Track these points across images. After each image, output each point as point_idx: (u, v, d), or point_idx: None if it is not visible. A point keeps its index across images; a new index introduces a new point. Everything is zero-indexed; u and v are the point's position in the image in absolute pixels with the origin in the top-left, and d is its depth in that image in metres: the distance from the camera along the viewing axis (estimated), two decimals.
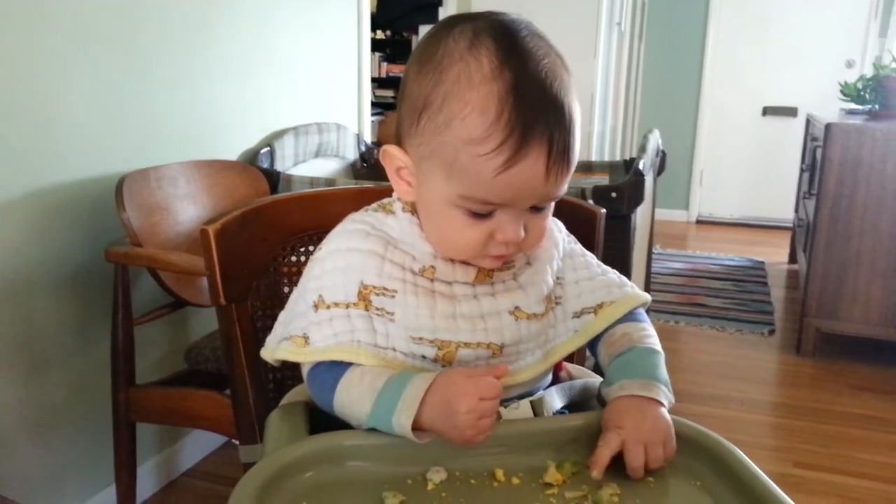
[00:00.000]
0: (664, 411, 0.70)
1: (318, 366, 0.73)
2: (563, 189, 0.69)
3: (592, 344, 0.82)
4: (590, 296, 0.80)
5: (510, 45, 0.65)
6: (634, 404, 0.70)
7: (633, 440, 0.67)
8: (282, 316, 0.78)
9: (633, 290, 0.82)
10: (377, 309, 0.72)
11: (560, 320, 0.79)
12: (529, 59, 0.65)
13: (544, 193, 0.67)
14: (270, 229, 0.94)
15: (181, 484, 1.90)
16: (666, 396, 0.71)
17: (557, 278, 0.79)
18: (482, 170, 0.64)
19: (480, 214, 0.68)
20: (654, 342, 0.78)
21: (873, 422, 2.32)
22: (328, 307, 0.73)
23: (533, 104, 0.63)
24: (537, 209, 0.70)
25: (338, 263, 0.73)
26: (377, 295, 0.72)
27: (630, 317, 0.81)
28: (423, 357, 0.72)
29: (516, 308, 0.73)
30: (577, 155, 0.68)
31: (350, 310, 0.72)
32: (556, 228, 0.83)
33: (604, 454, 0.67)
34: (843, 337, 2.82)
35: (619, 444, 0.67)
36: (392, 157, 0.73)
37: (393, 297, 0.71)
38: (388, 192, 0.82)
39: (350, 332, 0.72)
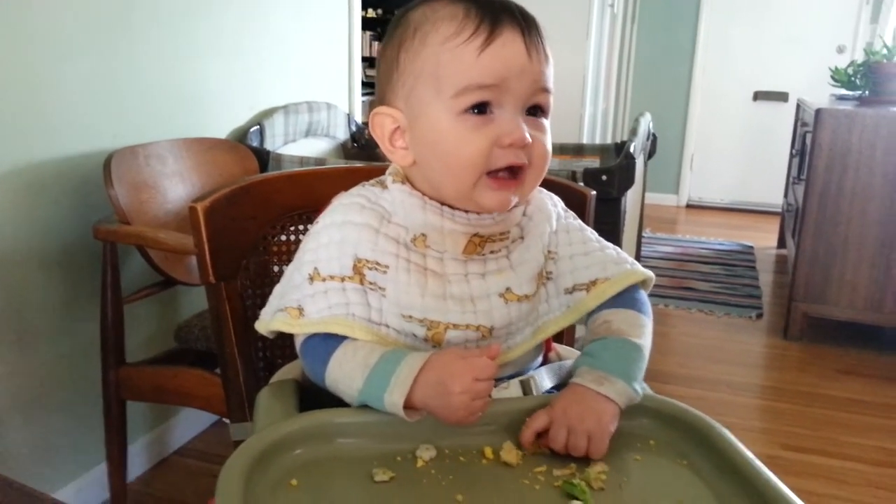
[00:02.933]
0: (609, 408, 0.68)
1: (312, 338, 0.73)
2: (549, 80, 0.71)
3: (587, 320, 0.80)
4: (584, 272, 0.77)
5: None
6: (579, 392, 0.69)
7: (558, 422, 0.67)
8: (277, 288, 0.78)
9: (632, 267, 0.78)
10: (370, 283, 0.72)
11: (552, 296, 0.78)
12: None
13: (532, 75, 0.69)
14: (260, 208, 0.93)
15: (172, 462, 1.91)
16: (621, 394, 0.68)
17: (549, 252, 0.78)
18: (465, 54, 0.68)
19: (480, 112, 0.68)
20: (637, 332, 0.74)
21: (859, 405, 2.34)
22: (323, 280, 0.73)
23: (493, 3, 0.69)
24: (534, 113, 0.71)
25: (333, 237, 0.74)
26: (370, 269, 0.72)
27: (622, 299, 0.77)
28: (415, 335, 0.72)
29: (507, 290, 0.73)
30: (551, 58, 0.71)
31: (345, 283, 0.72)
32: (551, 202, 0.82)
33: (527, 430, 0.67)
34: (830, 321, 2.84)
35: (544, 423, 0.67)
36: (383, 117, 0.74)
37: (385, 272, 0.71)
38: (377, 172, 0.82)
39: (345, 304, 0.72)
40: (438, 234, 0.73)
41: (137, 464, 1.80)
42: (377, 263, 0.72)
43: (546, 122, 0.73)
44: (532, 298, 0.75)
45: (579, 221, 0.83)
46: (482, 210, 0.72)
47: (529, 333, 0.77)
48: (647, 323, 0.76)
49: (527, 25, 0.69)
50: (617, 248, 0.81)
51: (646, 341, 0.74)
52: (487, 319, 0.72)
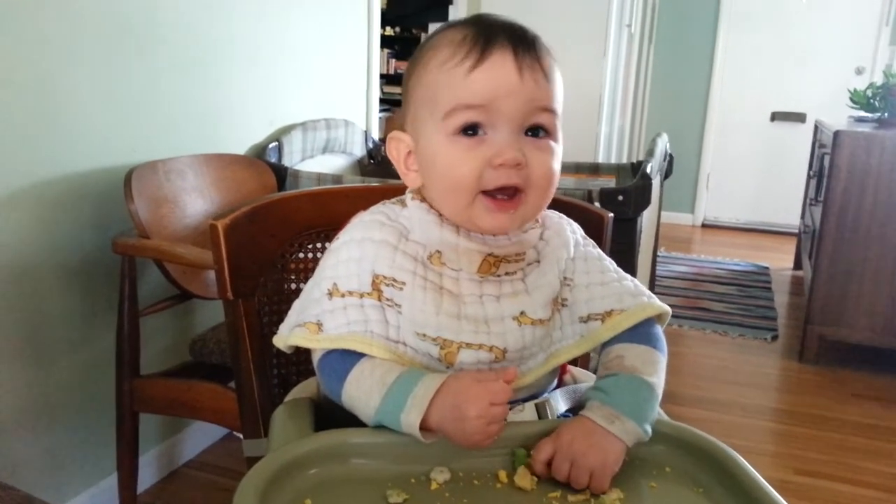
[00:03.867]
0: (616, 447, 0.67)
1: (330, 354, 0.73)
2: (551, 100, 0.71)
3: (601, 351, 0.79)
4: (599, 302, 0.76)
5: (480, 16, 0.74)
6: (587, 426, 0.68)
7: (562, 454, 0.66)
8: (296, 304, 0.79)
9: (648, 301, 0.77)
10: (387, 300, 0.73)
11: (566, 323, 0.77)
12: (496, 17, 0.73)
13: (524, 95, 0.69)
14: (279, 225, 0.94)
15: (182, 474, 1.91)
16: (630, 433, 0.68)
17: (565, 278, 0.78)
18: (456, 75, 0.69)
19: (471, 133, 0.69)
20: (651, 370, 0.73)
21: (875, 430, 2.31)
22: (342, 295, 0.73)
23: (492, 24, 0.71)
24: (533, 133, 0.71)
25: (352, 253, 0.74)
26: (387, 286, 0.72)
27: (637, 333, 0.76)
28: (430, 355, 0.72)
29: (521, 313, 0.73)
30: (555, 73, 0.72)
31: (364, 299, 0.73)
32: (570, 229, 0.81)
33: (536, 464, 0.67)
34: (846, 345, 2.82)
35: (549, 453, 0.67)
36: (398, 141, 0.77)
37: (401, 289, 0.72)
38: (395, 191, 0.83)
39: (363, 321, 0.72)
40: (454, 252, 0.73)
41: (147, 475, 1.81)
42: (394, 280, 0.72)
43: (551, 143, 0.72)
44: (546, 323, 0.75)
45: (598, 250, 0.82)
46: (481, 231, 0.73)
47: (542, 359, 0.76)
48: (661, 360, 0.75)
49: (523, 46, 0.69)
50: (634, 280, 0.80)
51: (659, 380, 0.73)
52: (501, 341, 0.72)
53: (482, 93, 0.68)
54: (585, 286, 0.78)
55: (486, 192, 0.70)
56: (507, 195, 0.70)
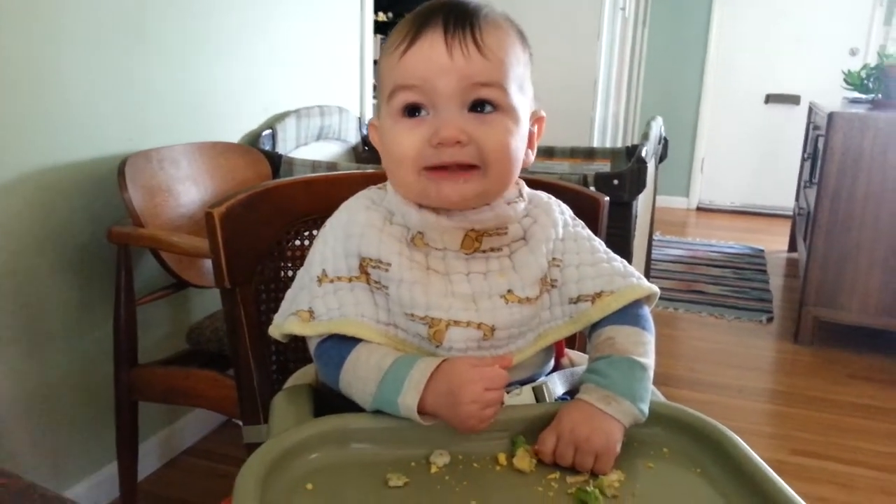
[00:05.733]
0: (616, 428, 0.68)
1: (326, 342, 0.73)
2: (491, 74, 0.70)
3: (590, 333, 0.80)
4: (589, 282, 0.77)
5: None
6: (585, 410, 0.69)
7: (564, 440, 0.67)
8: (289, 293, 0.79)
9: (637, 282, 0.78)
10: (375, 282, 0.73)
11: (556, 304, 0.77)
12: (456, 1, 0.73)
13: (457, 73, 0.69)
14: (275, 213, 0.94)
15: (181, 462, 1.92)
16: (627, 414, 0.69)
17: (554, 259, 0.78)
18: (393, 59, 0.71)
19: (411, 114, 0.71)
20: (641, 350, 0.74)
21: (870, 411, 2.33)
22: (331, 280, 0.74)
23: (433, 5, 0.72)
24: (480, 109, 0.70)
25: (338, 236, 0.75)
26: (374, 268, 0.73)
27: (626, 315, 0.76)
28: (419, 335, 0.72)
29: (508, 291, 0.73)
30: (503, 46, 0.71)
31: (353, 283, 0.73)
32: (559, 209, 0.81)
33: (543, 456, 0.67)
34: (841, 326, 2.83)
35: (553, 443, 0.67)
36: (374, 128, 0.80)
37: (387, 270, 0.72)
38: None
39: (354, 304, 0.73)
40: (435, 232, 0.74)
41: (147, 463, 1.82)
42: (380, 261, 0.72)
43: (501, 117, 0.71)
44: (534, 302, 0.75)
45: (588, 231, 0.83)
46: (442, 205, 0.73)
47: (531, 339, 0.76)
48: (650, 340, 0.76)
49: (456, 24, 0.70)
50: (624, 261, 0.81)
51: (650, 360, 0.74)
52: (490, 318, 0.72)
53: (414, 72, 0.70)
54: (575, 267, 0.78)
55: (428, 168, 0.71)
56: (458, 167, 0.71)
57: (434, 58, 0.69)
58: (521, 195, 0.79)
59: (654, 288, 0.78)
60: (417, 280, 0.71)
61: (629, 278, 0.78)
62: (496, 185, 0.73)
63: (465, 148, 0.69)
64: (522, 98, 0.73)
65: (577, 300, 0.77)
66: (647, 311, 0.79)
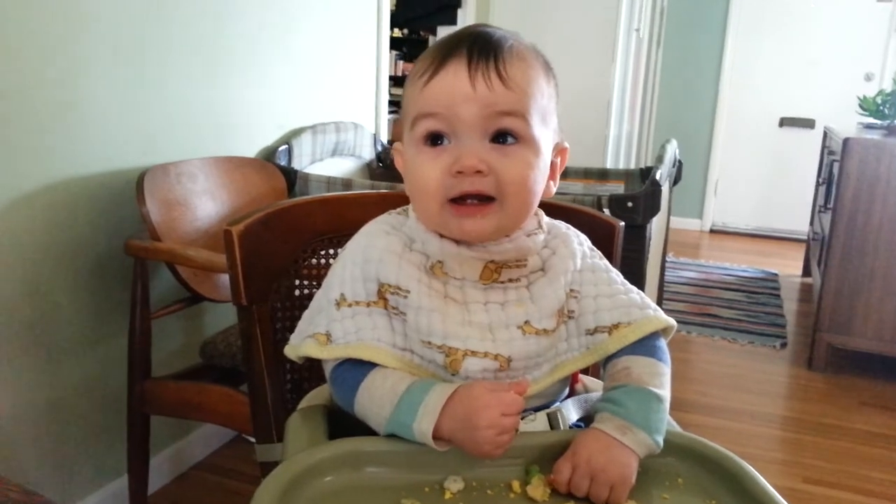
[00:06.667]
0: (632, 459, 0.67)
1: (342, 365, 0.74)
2: (515, 103, 0.70)
3: (605, 363, 0.80)
4: (607, 314, 0.77)
5: (465, 28, 0.75)
6: (602, 439, 0.68)
7: (580, 471, 0.66)
8: (306, 314, 0.79)
9: (654, 314, 0.77)
10: (393, 308, 0.73)
11: (572, 335, 0.77)
12: (482, 27, 0.74)
13: (479, 102, 0.69)
14: (292, 231, 0.94)
15: (191, 476, 1.92)
16: (642, 445, 0.68)
17: (572, 290, 0.77)
18: (417, 87, 0.72)
19: (434, 142, 0.72)
20: (658, 382, 0.73)
21: (883, 439, 2.31)
22: (350, 305, 0.74)
23: (460, 35, 0.73)
24: (501, 140, 0.71)
25: (357, 261, 0.75)
26: (392, 294, 0.73)
27: (643, 346, 0.76)
28: (436, 363, 0.72)
29: (526, 322, 0.73)
30: (526, 76, 0.71)
31: (371, 308, 0.74)
32: (577, 241, 0.81)
33: (558, 486, 0.67)
34: (855, 353, 2.81)
35: (569, 473, 0.67)
36: (398, 153, 0.80)
37: (406, 297, 0.72)
38: (406, 199, 0.83)
39: (372, 329, 0.73)
40: (455, 262, 0.74)
41: (157, 477, 1.82)
42: (398, 288, 0.73)
43: (522, 149, 0.71)
44: (551, 334, 0.75)
45: (605, 262, 0.82)
46: (460, 239, 0.73)
47: (547, 370, 0.76)
48: (667, 372, 0.76)
49: (480, 53, 0.70)
50: (641, 292, 0.81)
51: (666, 392, 0.74)
52: (507, 349, 0.72)
53: (436, 101, 0.71)
54: (593, 298, 0.78)
55: (453, 200, 0.71)
56: (477, 201, 0.71)
57: (457, 86, 0.70)
58: (540, 226, 0.79)
59: (671, 321, 0.78)
60: (436, 308, 0.72)
61: (646, 310, 0.78)
62: (514, 218, 0.74)
63: (485, 178, 0.70)
64: (545, 130, 0.74)
65: (594, 331, 0.77)
66: (663, 343, 0.78)
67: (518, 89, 0.70)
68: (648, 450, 0.69)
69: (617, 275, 0.82)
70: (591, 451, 0.67)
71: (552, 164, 0.77)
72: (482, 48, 0.70)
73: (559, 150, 0.79)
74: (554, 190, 0.79)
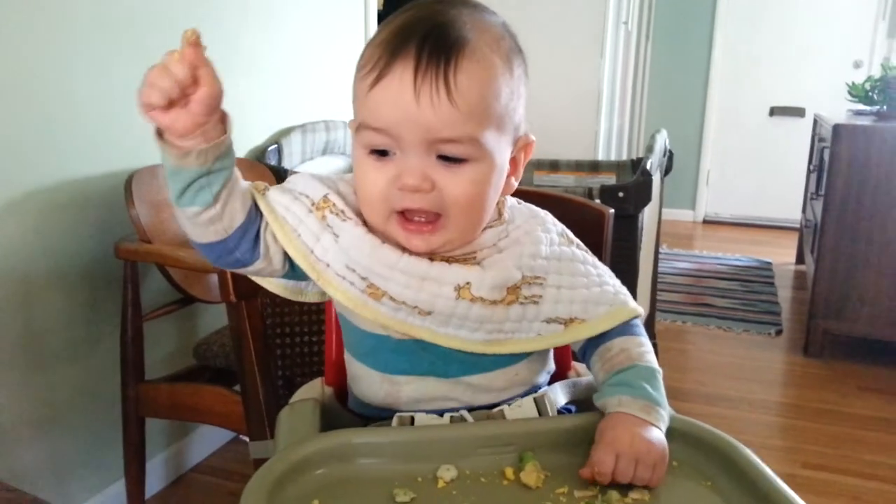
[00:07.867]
0: (661, 436, 0.68)
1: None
2: (457, 127, 0.64)
3: (584, 353, 0.78)
4: (565, 307, 0.74)
5: (429, 9, 0.67)
6: (635, 423, 0.68)
7: (626, 458, 0.65)
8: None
9: (618, 308, 0.76)
10: (328, 225, 0.70)
11: (529, 318, 0.73)
12: (438, 13, 0.66)
13: (422, 125, 0.64)
14: None
15: (189, 479, 1.91)
16: (663, 420, 0.69)
17: (536, 277, 0.73)
18: (362, 89, 0.66)
19: (380, 153, 0.67)
20: (650, 357, 0.74)
21: (881, 423, 2.31)
22: (296, 197, 0.71)
23: (413, 24, 0.65)
24: (447, 159, 0.66)
25: (314, 174, 0.74)
26: (332, 213, 0.70)
27: (626, 329, 0.76)
28: (353, 284, 0.69)
29: (467, 283, 0.70)
30: (475, 84, 0.64)
31: (310, 212, 0.70)
32: (543, 228, 0.77)
33: (601, 477, 0.65)
34: (850, 338, 2.81)
35: (613, 463, 0.65)
36: (352, 129, 0.75)
37: (345, 220, 0.70)
38: None
39: (299, 221, 0.70)
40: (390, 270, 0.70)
41: (154, 480, 1.81)
42: (342, 211, 0.70)
43: (468, 167, 0.67)
44: (492, 306, 0.71)
45: (582, 253, 0.79)
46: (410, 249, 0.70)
47: (480, 338, 0.72)
48: (650, 345, 0.77)
49: (430, 57, 0.63)
50: (617, 283, 0.79)
51: (658, 366, 0.75)
52: (428, 305, 0.69)
53: (379, 115, 0.65)
54: (556, 287, 0.75)
55: (400, 213, 0.68)
56: (424, 218, 0.68)
57: (402, 100, 0.64)
58: (501, 214, 0.76)
59: (637, 310, 0.77)
60: (370, 241, 0.69)
61: (611, 306, 0.76)
62: (462, 233, 0.70)
63: (429, 195, 0.66)
64: (501, 136, 0.69)
65: (551, 321, 0.74)
66: (639, 323, 0.78)
67: (467, 107, 0.64)
68: (665, 424, 0.70)
69: (593, 266, 0.78)
70: (632, 436, 0.67)
71: (513, 160, 0.73)
72: (433, 49, 0.64)
73: (522, 146, 0.74)
74: (515, 185, 0.76)
